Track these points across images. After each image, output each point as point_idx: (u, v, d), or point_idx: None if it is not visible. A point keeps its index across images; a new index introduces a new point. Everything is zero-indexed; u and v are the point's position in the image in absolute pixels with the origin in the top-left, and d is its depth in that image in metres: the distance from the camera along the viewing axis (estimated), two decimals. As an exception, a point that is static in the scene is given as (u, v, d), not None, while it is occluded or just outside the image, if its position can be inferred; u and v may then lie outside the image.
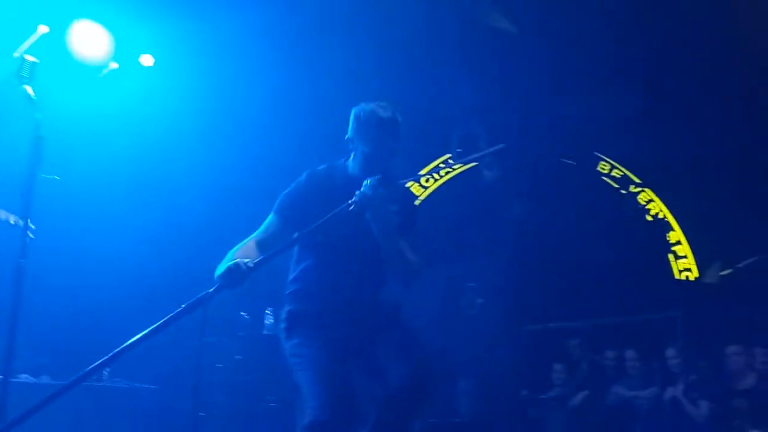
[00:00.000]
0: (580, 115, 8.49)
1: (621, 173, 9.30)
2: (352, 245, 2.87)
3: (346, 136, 2.97)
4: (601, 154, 9.29)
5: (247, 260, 2.72)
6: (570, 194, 8.69)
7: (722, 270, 8.15)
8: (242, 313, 6.29)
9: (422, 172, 8.82)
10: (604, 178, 9.30)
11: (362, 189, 2.73)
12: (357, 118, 2.95)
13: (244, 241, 2.93)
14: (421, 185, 9.39)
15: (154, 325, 2.65)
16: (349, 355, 2.83)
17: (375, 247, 2.86)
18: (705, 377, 5.76)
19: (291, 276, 3.01)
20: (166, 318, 2.65)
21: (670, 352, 5.92)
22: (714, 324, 6.21)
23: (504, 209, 8.20)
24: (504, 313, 6.62)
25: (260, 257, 2.80)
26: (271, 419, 5.67)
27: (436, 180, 9.38)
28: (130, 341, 2.63)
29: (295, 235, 2.80)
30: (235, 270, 2.68)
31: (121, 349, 2.64)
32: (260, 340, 6.05)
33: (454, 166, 9.16)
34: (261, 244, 2.88)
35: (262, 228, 2.97)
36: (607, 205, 8.92)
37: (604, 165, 9.33)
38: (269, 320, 6.21)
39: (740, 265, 7.77)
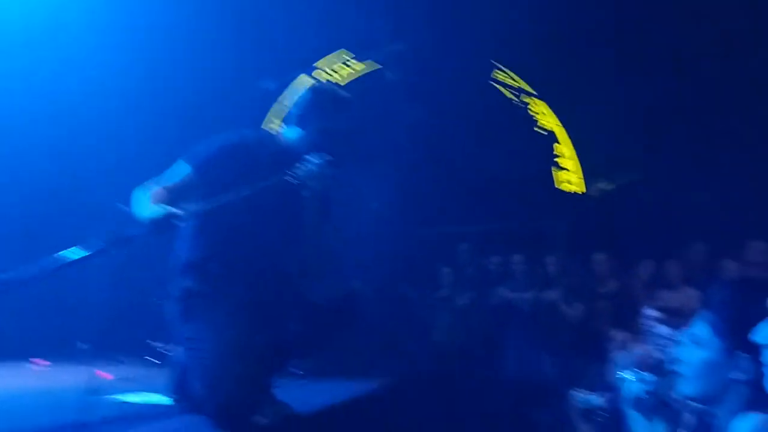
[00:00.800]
0: (481, 22, 8.45)
1: (515, 83, 9.42)
2: (268, 220, 2.75)
3: (295, 111, 2.86)
4: (498, 62, 9.36)
5: (173, 208, 2.56)
6: (465, 101, 8.73)
7: (605, 185, 8.60)
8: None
9: (319, 64, 8.53)
10: (499, 87, 9.40)
11: (309, 165, 2.64)
12: (316, 95, 2.87)
13: (149, 185, 2.71)
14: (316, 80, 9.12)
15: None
16: (255, 333, 2.74)
17: (293, 225, 2.78)
18: (580, 282, 6.11)
19: (187, 246, 2.81)
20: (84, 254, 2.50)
21: (550, 258, 6.21)
22: (592, 232, 6.54)
23: (402, 113, 8.12)
24: (397, 217, 6.64)
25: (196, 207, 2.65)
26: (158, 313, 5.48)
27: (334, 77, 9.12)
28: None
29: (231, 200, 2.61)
30: (161, 215, 2.52)
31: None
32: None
33: (355, 66, 8.95)
34: (171, 194, 2.69)
35: (171, 176, 2.77)
36: (500, 113, 9.04)
37: (500, 73, 9.41)
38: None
39: (622, 182, 8.23)
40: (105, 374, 2.63)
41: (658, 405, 1.92)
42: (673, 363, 2.78)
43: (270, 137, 2.96)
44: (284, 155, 2.80)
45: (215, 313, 2.71)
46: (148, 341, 5.17)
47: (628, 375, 2.04)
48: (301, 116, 2.87)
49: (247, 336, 2.71)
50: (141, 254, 2.62)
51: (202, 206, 2.71)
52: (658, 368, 2.74)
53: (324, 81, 2.91)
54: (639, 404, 1.98)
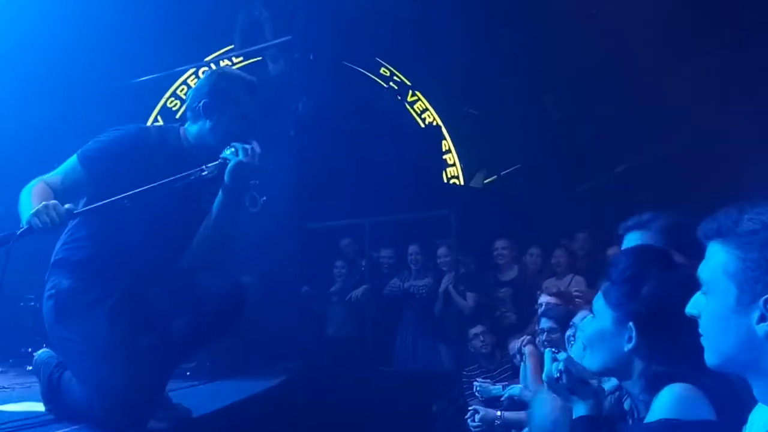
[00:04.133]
0: (365, 17, 8.46)
1: (399, 79, 9.52)
2: (161, 216, 2.58)
3: (196, 103, 2.68)
4: (381, 59, 9.42)
5: (57, 203, 2.36)
6: (352, 94, 8.70)
7: (486, 177, 8.86)
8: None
9: (207, 59, 8.26)
10: (384, 83, 9.47)
11: (234, 156, 2.51)
12: (221, 78, 2.73)
13: (34, 182, 2.52)
14: (198, 77, 8.80)
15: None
16: (139, 332, 2.62)
17: (189, 221, 2.66)
18: (472, 271, 6.22)
19: (64, 241, 2.64)
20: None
21: (441, 250, 6.27)
22: (480, 223, 6.68)
23: (288, 104, 7.97)
24: (286, 211, 6.48)
25: (83, 207, 2.50)
26: (30, 317, 5.10)
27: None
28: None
29: (124, 199, 2.42)
30: (44, 212, 2.30)
31: None
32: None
33: (235, 60, 8.70)
34: (59, 192, 2.50)
35: (60, 172, 2.59)
36: (386, 108, 9.09)
37: (386, 70, 9.48)
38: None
39: (503, 173, 8.51)
40: (-22, 384, 2.38)
41: (573, 383, 1.92)
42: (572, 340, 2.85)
43: (174, 133, 2.76)
44: (192, 152, 2.65)
45: (94, 312, 2.56)
46: (22, 348, 4.78)
47: (543, 355, 2.03)
48: (208, 105, 2.68)
49: (131, 335, 2.58)
50: (12, 254, 2.37)
51: (89, 203, 2.55)
52: (562, 346, 2.77)
53: (225, 67, 2.73)
54: (553, 384, 1.98)
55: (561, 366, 1.92)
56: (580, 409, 1.90)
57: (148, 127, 2.83)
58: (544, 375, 2.01)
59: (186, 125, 2.77)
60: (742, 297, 1.28)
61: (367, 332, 6.43)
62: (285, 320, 5.77)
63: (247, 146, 2.54)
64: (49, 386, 2.74)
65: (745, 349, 1.28)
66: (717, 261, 1.34)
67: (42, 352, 2.90)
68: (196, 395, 3.72)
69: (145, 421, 2.48)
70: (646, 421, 1.68)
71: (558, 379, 1.93)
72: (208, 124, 2.69)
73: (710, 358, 1.35)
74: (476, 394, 4.71)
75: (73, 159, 2.62)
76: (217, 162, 2.54)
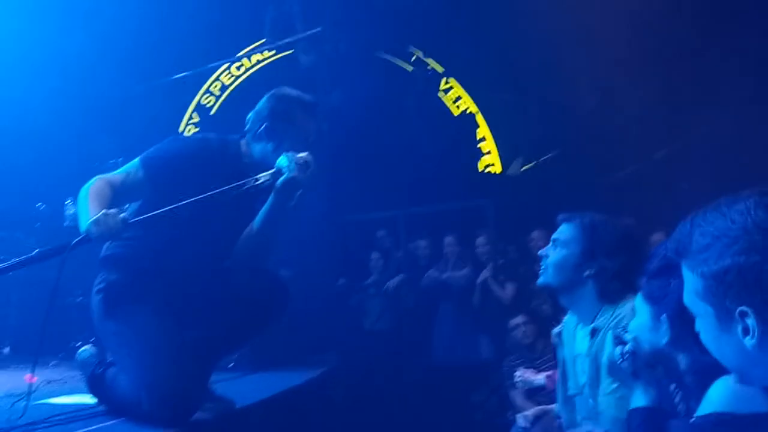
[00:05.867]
0: (396, 4, 8.41)
1: (431, 67, 9.44)
2: (210, 221, 2.62)
3: (257, 126, 2.74)
4: (413, 47, 9.35)
5: (116, 211, 2.40)
6: (384, 84, 8.67)
7: (524, 164, 8.75)
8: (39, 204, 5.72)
9: (240, 54, 8.31)
10: (413, 68, 9.40)
11: (288, 168, 2.52)
12: (280, 102, 2.76)
13: (94, 180, 2.56)
14: (231, 74, 8.88)
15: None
16: (185, 328, 2.64)
17: (240, 222, 2.68)
18: (511, 261, 6.16)
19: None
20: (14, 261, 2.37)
21: (480, 240, 6.23)
22: (519, 212, 6.61)
23: (320, 96, 7.98)
24: (322, 204, 6.51)
25: (138, 215, 2.53)
26: (79, 313, 5.21)
27: (248, 68, 8.90)
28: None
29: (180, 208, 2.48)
30: (103, 221, 2.35)
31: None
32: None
33: (267, 54, 8.75)
34: (118, 192, 2.57)
35: (122, 173, 2.64)
36: (419, 97, 9.03)
37: (416, 56, 9.42)
38: (70, 211, 5.64)
39: (541, 160, 8.38)
40: (31, 377, 2.44)
41: (639, 367, 1.86)
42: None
43: (234, 146, 2.81)
44: (254, 169, 2.68)
45: (142, 306, 2.60)
46: (71, 343, 4.90)
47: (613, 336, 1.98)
48: (270, 129, 2.73)
49: (177, 330, 2.62)
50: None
51: (144, 205, 2.61)
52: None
53: (284, 88, 2.76)
54: (615, 368, 1.92)
55: (629, 347, 1.86)
56: (639, 399, 1.84)
57: (210, 137, 2.84)
58: (605, 358, 1.97)
59: (248, 139, 2.80)
60: (720, 315, 1.24)
61: (404, 324, 6.42)
62: (322, 313, 5.80)
63: (299, 159, 2.54)
64: (93, 383, 2.80)
65: (745, 361, 1.25)
66: (688, 285, 1.30)
67: (83, 351, 2.96)
68: (238, 386, 3.76)
69: (192, 414, 2.51)
70: (697, 414, 1.64)
71: (622, 362, 1.87)
72: (270, 146, 2.73)
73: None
74: (517, 384, 4.68)
75: (135, 162, 2.67)
76: (271, 171, 2.57)
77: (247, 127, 2.80)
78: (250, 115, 2.82)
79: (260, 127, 2.74)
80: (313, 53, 8.16)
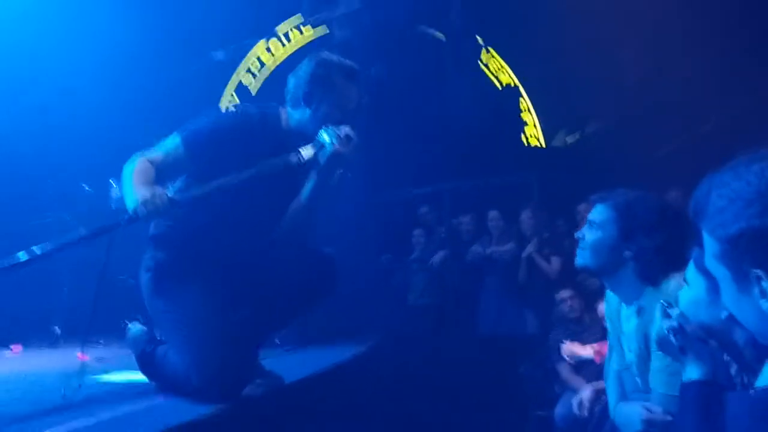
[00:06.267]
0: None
1: (472, 38, 9.30)
2: (255, 196, 2.58)
3: (296, 90, 2.69)
4: (452, 19, 9.20)
5: (163, 190, 2.44)
6: (423, 58, 8.57)
7: (569, 135, 8.60)
8: (83, 185, 5.82)
9: (279, 29, 8.29)
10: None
11: (331, 143, 2.50)
12: (324, 68, 2.68)
13: (135, 159, 2.56)
14: (271, 52, 8.88)
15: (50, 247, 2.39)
16: (234, 305, 2.65)
17: (281, 202, 2.66)
18: (557, 235, 6.07)
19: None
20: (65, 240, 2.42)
21: (524, 214, 6.15)
22: (564, 185, 6.50)
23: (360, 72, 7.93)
24: (364, 181, 6.51)
25: (186, 194, 2.55)
26: (128, 292, 5.32)
27: (285, 45, 8.89)
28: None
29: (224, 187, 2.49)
30: (151, 201, 2.37)
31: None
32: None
33: (306, 31, 8.72)
34: (160, 170, 2.56)
35: (162, 150, 2.61)
36: (459, 70, 8.92)
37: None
38: (115, 193, 5.74)
39: (586, 132, 8.23)
40: (83, 356, 2.49)
41: (686, 342, 1.80)
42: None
43: (274, 116, 2.77)
44: (292, 137, 2.66)
45: (191, 285, 2.61)
46: (121, 323, 5.01)
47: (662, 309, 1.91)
48: (308, 94, 2.68)
49: (227, 307, 2.63)
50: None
51: (188, 181, 2.61)
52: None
53: (324, 52, 2.69)
54: (664, 342, 1.86)
55: (675, 323, 1.81)
56: (692, 372, 1.77)
57: (250, 108, 2.81)
58: (654, 332, 1.92)
59: (287, 108, 2.77)
60: (738, 278, 1.21)
61: (449, 299, 6.41)
62: (367, 289, 5.82)
63: (341, 133, 2.52)
64: (143, 360, 2.83)
65: (764, 323, 1.21)
66: (707, 248, 1.27)
67: (133, 329, 2.98)
68: (286, 362, 3.80)
69: (241, 390, 2.54)
70: (756, 386, 1.59)
71: (670, 337, 1.81)
72: (308, 112, 2.68)
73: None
74: (566, 358, 4.63)
75: (175, 138, 2.65)
76: (313, 145, 2.55)
77: (287, 89, 2.75)
78: (289, 77, 2.78)
79: (298, 92, 2.70)
80: (349, 28, 8.10)
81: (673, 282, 2.18)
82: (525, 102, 9.14)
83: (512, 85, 9.17)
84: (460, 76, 8.83)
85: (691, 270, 1.89)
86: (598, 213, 2.41)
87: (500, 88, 9.17)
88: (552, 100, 8.84)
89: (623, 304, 2.45)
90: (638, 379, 2.36)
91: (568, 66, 8.43)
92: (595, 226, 2.40)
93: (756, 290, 1.18)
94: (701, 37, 6.94)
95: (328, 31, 8.34)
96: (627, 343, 2.43)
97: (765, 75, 6.61)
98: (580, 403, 3.54)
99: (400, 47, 8.39)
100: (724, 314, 1.65)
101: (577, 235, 2.46)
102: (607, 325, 2.64)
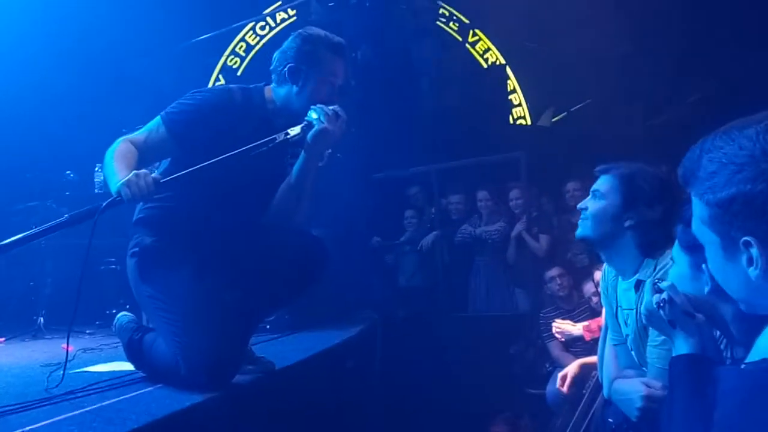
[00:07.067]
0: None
1: (459, 19, 9.23)
2: (242, 177, 2.55)
3: (281, 66, 2.64)
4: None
5: (146, 171, 2.37)
6: (411, 40, 8.50)
7: (555, 115, 8.57)
8: (68, 172, 5.77)
9: (265, 12, 8.20)
10: (443, 25, 9.22)
11: (318, 121, 2.46)
12: (306, 42, 2.64)
13: (118, 142, 2.51)
14: (256, 33, 8.79)
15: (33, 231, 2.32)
16: (221, 291, 2.61)
17: (273, 179, 2.64)
18: (545, 213, 6.08)
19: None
20: (47, 225, 2.33)
21: (513, 193, 6.15)
22: (552, 164, 6.49)
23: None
24: (353, 162, 6.46)
25: (168, 174, 2.50)
26: (113, 279, 5.29)
27: (273, 27, 8.80)
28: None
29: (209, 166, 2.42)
30: (134, 182, 2.31)
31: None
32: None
33: (292, 12, 8.63)
34: (142, 152, 2.52)
35: (144, 132, 2.58)
36: (447, 51, 8.86)
37: (444, 10, 9.22)
38: (99, 177, 5.68)
39: (573, 109, 8.20)
40: (68, 346, 2.45)
41: (676, 315, 1.80)
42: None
43: (258, 94, 2.72)
44: (278, 115, 2.62)
45: (178, 270, 2.57)
46: (107, 311, 4.97)
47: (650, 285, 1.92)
48: (294, 69, 2.64)
49: (215, 292, 2.59)
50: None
51: (173, 163, 2.58)
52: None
53: (311, 27, 2.63)
54: (653, 316, 1.86)
55: (665, 296, 1.81)
56: (681, 346, 1.77)
57: (233, 88, 2.76)
58: (642, 307, 1.93)
59: (272, 86, 2.72)
60: (726, 244, 1.20)
61: (440, 280, 6.41)
62: (357, 271, 5.80)
63: (329, 111, 2.49)
64: (131, 349, 2.78)
65: (750, 292, 1.21)
66: (695, 212, 1.25)
67: (121, 316, 2.94)
68: (277, 347, 3.79)
69: (231, 377, 2.51)
70: (747, 360, 1.58)
71: (659, 309, 1.81)
72: (294, 88, 2.65)
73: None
74: (556, 335, 4.66)
75: (157, 120, 2.61)
76: (301, 125, 2.51)
77: (272, 66, 2.71)
78: (275, 54, 2.73)
79: (284, 68, 2.65)
80: (336, 12, 8.00)
81: (669, 257, 2.20)
82: (512, 82, 9.09)
83: (499, 64, 9.11)
84: (448, 56, 8.76)
85: (675, 247, 1.89)
86: (602, 183, 2.45)
87: (487, 68, 9.11)
88: (538, 79, 8.79)
89: (620, 278, 2.47)
90: (634, 354, 2.38)
91: (554, 44, 8.38)
92: (599, 194, 2.43)
93: (744, 257, 1.17)
94: (685, 10, 6.92)
95: (312, 17, 8.25)
96: (622, 318, 2.44)
97: (751, 46, 6.60)
98: (564, 378, 3.56)
99: (386, 28, 8.32)
100: (706, 289, 1.65)
101: (580, 206, 2.48)
102: (602, 300, 2.66)
